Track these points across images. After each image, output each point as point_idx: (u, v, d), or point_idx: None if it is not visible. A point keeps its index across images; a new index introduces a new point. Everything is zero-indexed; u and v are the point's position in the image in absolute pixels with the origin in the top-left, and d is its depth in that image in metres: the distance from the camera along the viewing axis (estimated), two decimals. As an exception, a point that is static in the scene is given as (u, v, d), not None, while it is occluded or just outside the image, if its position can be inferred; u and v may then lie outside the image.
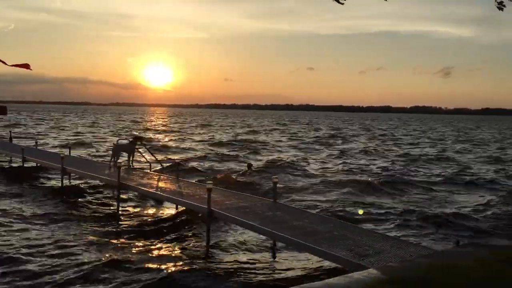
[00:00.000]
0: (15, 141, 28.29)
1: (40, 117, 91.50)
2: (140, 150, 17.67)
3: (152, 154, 17.90)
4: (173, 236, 11.35)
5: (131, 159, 16.59)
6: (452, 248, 10.69)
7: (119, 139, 18.83)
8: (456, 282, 3.17)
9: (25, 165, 19.93)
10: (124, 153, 17.04)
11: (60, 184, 16.87)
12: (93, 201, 15.06)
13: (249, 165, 22.17)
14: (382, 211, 14.47)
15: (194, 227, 11.99)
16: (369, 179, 19.99)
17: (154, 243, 10.79)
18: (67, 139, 38.91)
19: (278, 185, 12.12)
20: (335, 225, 9.64)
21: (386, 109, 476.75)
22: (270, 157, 28.69)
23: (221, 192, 12.64)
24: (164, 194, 12.27)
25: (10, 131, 31.75)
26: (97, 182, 16.55)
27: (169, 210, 13.74)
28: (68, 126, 61.48)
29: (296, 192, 17.21)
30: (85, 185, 17.25)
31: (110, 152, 17.82)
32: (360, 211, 13.31)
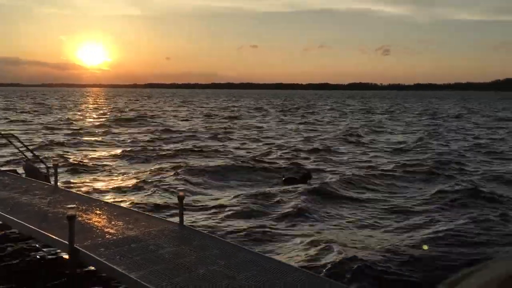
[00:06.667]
0: None
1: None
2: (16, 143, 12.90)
3: (29, 149, 12.96)
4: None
5: None
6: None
7: None
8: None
9: None
10: None
11: None
12: None
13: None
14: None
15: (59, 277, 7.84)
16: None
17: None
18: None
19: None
20: (276, 272, 5.84)
21: (324, 86, 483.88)
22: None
23: (108, 211, 8.53)
24: (11, 217, 7.93)
25: None
26: None
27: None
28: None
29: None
30: None
31: None
32: (425, 246, 9.00)
